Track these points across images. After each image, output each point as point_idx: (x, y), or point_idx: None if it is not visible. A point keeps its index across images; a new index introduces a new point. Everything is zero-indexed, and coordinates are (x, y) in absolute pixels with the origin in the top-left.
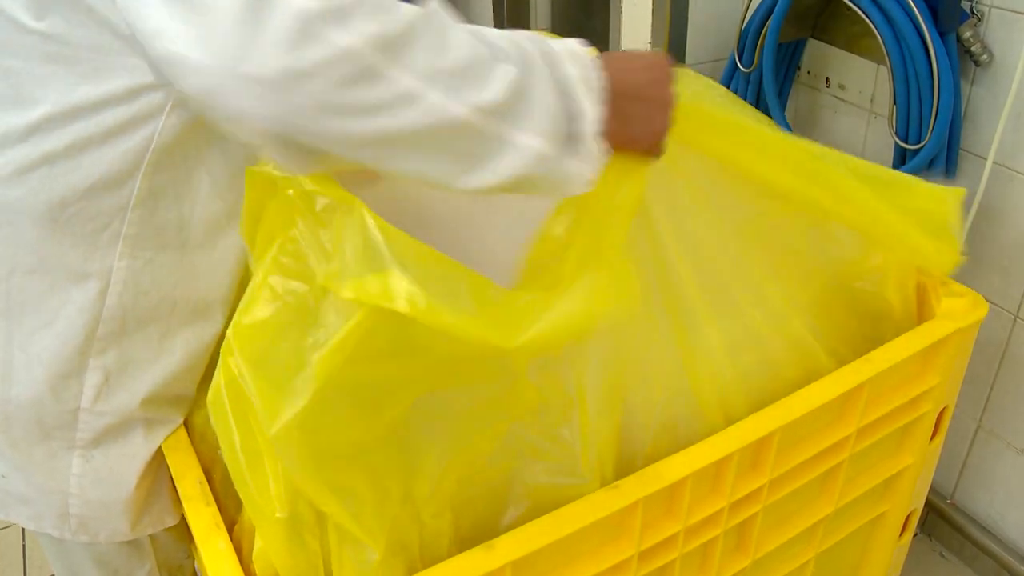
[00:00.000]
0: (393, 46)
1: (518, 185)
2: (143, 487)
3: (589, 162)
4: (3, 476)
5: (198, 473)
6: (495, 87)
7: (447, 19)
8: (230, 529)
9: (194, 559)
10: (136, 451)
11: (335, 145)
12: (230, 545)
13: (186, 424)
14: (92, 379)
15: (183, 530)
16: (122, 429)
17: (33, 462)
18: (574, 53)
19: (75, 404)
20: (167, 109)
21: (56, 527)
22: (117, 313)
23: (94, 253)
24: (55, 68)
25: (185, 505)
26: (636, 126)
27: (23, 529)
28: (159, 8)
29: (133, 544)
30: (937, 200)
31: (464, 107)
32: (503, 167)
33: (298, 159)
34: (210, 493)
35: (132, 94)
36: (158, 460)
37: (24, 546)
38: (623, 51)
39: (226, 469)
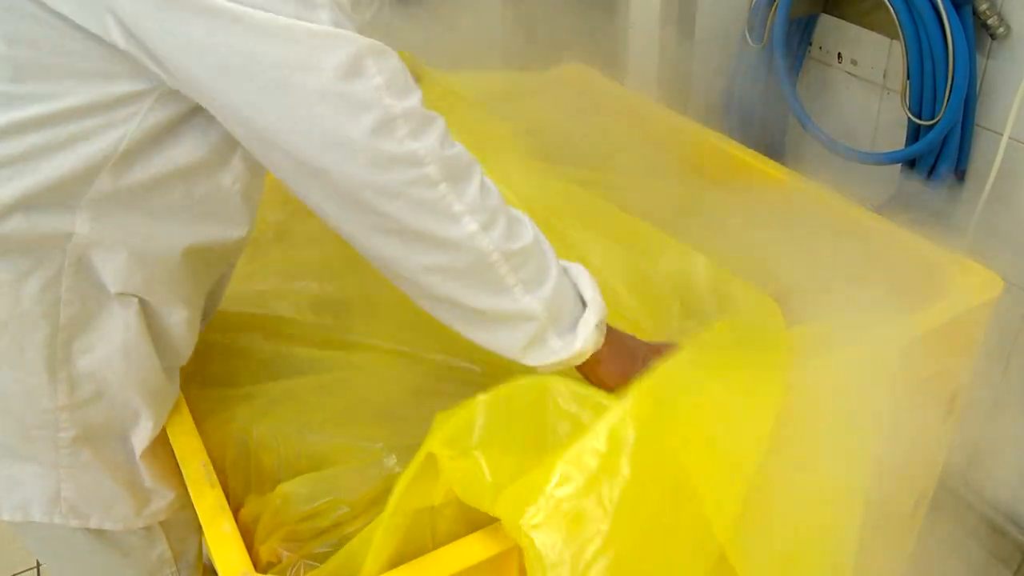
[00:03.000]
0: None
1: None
2: (138, 473)
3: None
4: None
5: (202, 455)
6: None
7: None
8: (236, 512)
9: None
10: (135, 435)
11: None
12: (235, 527)
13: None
14: (63, 372)
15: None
16: (106, 425)
17: (19, 453)
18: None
19: (52, 404)
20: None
21: (46, 512)
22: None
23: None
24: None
25: (189, 487)
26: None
27: None
28: None
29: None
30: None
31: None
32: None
33: None
34: (214, 475)
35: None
36: (157, 445)
37: None
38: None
39: (238, 451)
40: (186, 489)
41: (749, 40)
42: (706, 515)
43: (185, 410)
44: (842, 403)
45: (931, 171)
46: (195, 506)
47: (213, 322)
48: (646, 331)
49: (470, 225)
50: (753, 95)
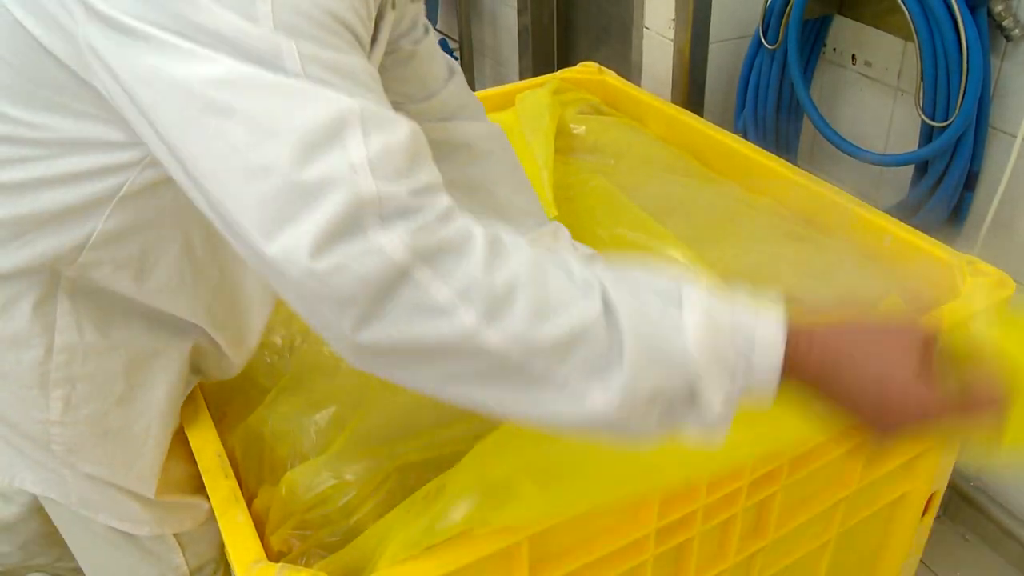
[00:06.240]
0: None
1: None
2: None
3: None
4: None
5: (217, 446)
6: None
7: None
8: (250, 503)
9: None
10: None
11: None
12: (249, 518)
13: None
14: (57, 392)
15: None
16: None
17: (24, 450)
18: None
19: (43, 416)
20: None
21: (62, 495)
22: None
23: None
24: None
25: (204, 477)
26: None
27: None
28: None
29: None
30: None
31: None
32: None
33: None
34: (229, 466)
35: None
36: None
37: None
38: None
39: (251, 441)
40: (202, 503)
41: (763, 41)
42: None
43: (200, 401)
44: None
45: (944, 173)
46: (209, 497)
47: None
48: None
49: (466, 316)
50: (767, 96)
